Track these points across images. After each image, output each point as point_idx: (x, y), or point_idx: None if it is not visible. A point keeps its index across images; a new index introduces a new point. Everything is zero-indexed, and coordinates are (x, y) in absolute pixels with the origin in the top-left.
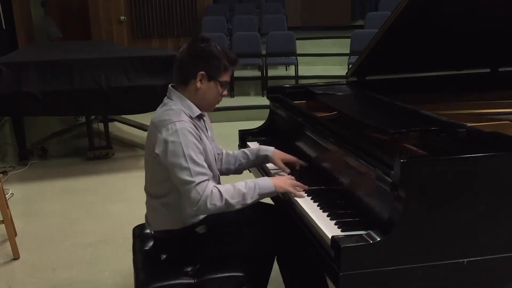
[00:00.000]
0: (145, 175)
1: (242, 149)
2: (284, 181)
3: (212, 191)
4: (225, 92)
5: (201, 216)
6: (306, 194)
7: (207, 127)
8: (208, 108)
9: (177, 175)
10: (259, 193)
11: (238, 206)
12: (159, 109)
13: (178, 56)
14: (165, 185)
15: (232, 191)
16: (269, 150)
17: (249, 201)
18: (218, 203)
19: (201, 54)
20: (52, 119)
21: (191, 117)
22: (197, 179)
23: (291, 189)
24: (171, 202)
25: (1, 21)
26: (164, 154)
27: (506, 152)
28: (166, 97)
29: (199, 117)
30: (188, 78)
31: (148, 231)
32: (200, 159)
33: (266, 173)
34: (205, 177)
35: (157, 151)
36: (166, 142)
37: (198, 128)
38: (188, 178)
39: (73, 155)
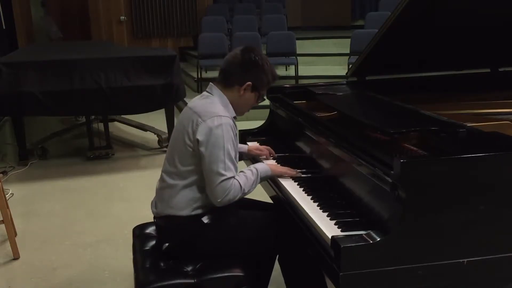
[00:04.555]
0: (168, 158)
1: None
2: (277, 166)
3: (235, 185)
4: (259, 102)
5: (209, 207)
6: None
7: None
8: (241, 113)
9: (211, 165)
10: (261, 177)
11: (250, 192)
12: (201, 100)
13: (229, 59)
14: (194, 168)
15: (246, 181)
16: (243, 147)
17: (255, 185)
18: (239, 195)
19: (254, 66)
20: (52, 119)
21: None
22: (228, 174)
23: (283, 170)
24: (192, 186)
25: (1, 21)
26: (205, 142)
27: (506, 152)
28: (206, 91)
29: (233, 118)
30: (234, 83)
31: (148, 231)
32: (234, 156)
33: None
34: (234, 174)
35: (198, 137)
36: (210, 131)
37: (236, 127)
38: (221, 171)
39: (73, 155)
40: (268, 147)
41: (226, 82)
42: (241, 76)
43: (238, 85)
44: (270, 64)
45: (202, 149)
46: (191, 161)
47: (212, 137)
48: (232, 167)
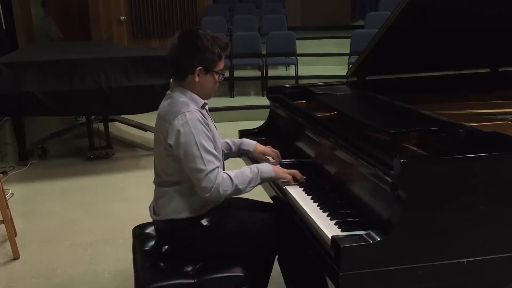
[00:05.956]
0: (155, 167)
1: (225, 139)
2: (283, 170)
3: (223, 177)
4: (222, 77)
5: (207, 208)
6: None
7: (210, 117)
8: (208, 97)
9: (190, 164)
10: (262, 177)
11: (246, 190)
12: (164, 102)
13: (170, 52)
14: (178, 174)
15: (240, 177)
16: (251, 145)
17: (253, 184)
18: (229, 189)
19: (194, 50)
20: (52, 119)
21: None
22: (209, 166)
23: (287, 176)
24: (183, 190)
25: (1, 21)
26: (177, 144)
27: (506, 152)
28: (169, 91)
29: (202, 106)
30: (185, 74)
31: (148, 231)
32: (211, 147)
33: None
34: (216, 165)
35: (170, 141)
36: (178, 132)
37: (205, 116)
38: (201, 166)
39: (73, 155)
40: (277, 151)
41: (178, 76)
42: (188, 65)
43: (191, 74)
44: (213, 37)
45: (176, 151)
46: (174, 167)
47: (181, 137)
48: (211, 158)
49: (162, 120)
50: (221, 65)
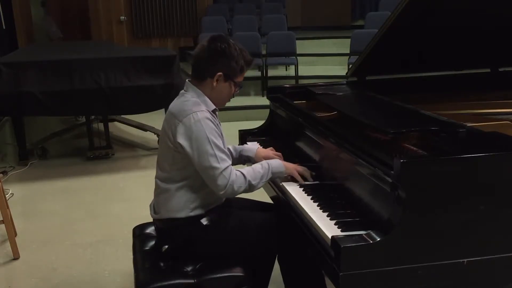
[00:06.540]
0: (159, 163)
1: (227, 146)
2: (293, 166)
3: (236, 174)
4: (237, 90)
5: (208, 207)
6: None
7: (219, 122)
8: (221, 105)
9: (204, 163)
10: (272, 172)
11: (258, 186)
12: (177, 100)
13: (196, 52)
14: (184, 171)
15: (252, 173)
16: (252, 151)
17: (264, 180)
18: (243, 185)
19: (221, 55)
20: (52, 119)
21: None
22: (223, 164)
23: (295, 173)
24: (186, 187)
25: (1, 21)
26: (189, 143)
27: (506, 152)
28: (183, 90)
29: (213, 111)
30: (205, 76)
31: (148, 231)
32: (222, 145)
33: None
34: (229, 162)
35: (180, 141)
36: (190, 131)
37: (215, 119)
38: (215, 164)
39: (73, 155)
40: (279, 154)
41: (198, 76)
42: (210, 68)
43: (210, 78)
44: (241, 49)
45: (187, 150)
46: (180, 163)
47: (193, 135)
48: (224, 156)
49: (173, 116)
50: (241, 77)
